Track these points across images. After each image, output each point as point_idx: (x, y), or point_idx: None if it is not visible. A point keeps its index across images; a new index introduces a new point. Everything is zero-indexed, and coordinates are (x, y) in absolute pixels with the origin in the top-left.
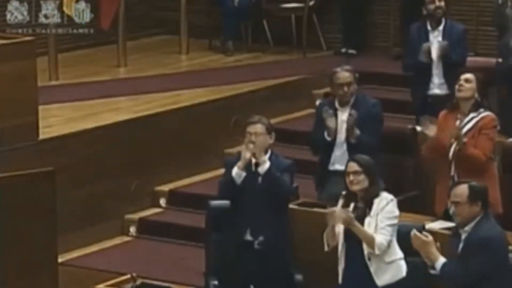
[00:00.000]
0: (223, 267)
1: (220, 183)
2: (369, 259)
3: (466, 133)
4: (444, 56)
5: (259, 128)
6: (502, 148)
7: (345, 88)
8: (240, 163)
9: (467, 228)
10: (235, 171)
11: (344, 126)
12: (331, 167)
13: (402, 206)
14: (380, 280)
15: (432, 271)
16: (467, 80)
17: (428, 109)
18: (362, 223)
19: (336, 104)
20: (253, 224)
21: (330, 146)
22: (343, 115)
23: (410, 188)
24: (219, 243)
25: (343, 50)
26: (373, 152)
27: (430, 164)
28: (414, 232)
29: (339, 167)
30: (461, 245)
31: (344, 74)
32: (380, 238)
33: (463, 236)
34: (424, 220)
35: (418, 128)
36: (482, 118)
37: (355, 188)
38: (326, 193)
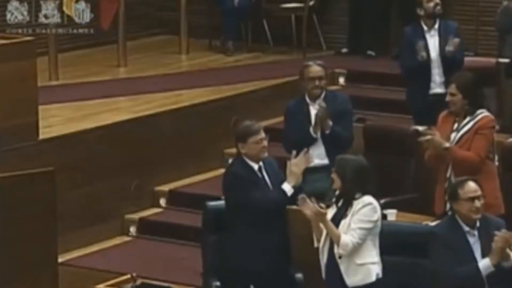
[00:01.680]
0: (222, 268)
1: (267, 200)
2: (340, 257)
3: (462, 136)
4: (453, 53)
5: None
6: (502, 148)
7: (317, 82)
8: (293, 183)
9: (478, 223)
10: (291, 191)
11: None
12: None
13: (402, 207)
14: (350, 280)
15: (506, 265)
16: (451, 94)
17: (429, 109)
18: (339, 222)
19: (307, 100)
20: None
21: (308, 142)
22: (315, 110)
23: (411, 189)
24: (218, 244)
25: (344, 50)
26: (348, 145)
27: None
28: (503, 231)
29: (319, 161)
30: (478, 242)
31: (316, 68)
32: (346, 239)
33: (476, 233)
34: (424, 220)
35: (420, 128)
36: (479, 120)
37: (332, 186)
38: (310, 190)
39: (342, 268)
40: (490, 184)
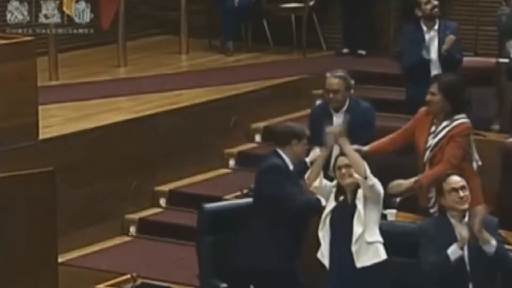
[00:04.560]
0: (221, 268)
1: (305, 201)
2: (356, 241)
3: (438, 142)
4: (448, 51)
5: None
6: (502, 148)
7: (331, 95)
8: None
9: (466, 219)
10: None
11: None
12: (330, 173)
13: (401, 206)
14: (359, 260)
15: (488, 250)
16: (432, 93)
17: None
18: (352, 216)
19: (331, 109)
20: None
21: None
22: (338, 120)
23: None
24: (217, 245)
25: (345, 50)
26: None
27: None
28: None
29: None
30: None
31: (331, 81)
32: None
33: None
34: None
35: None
36: (454, 127)
37: (348, 181)
38: None
39: (354, 248)
40: (469, 184)
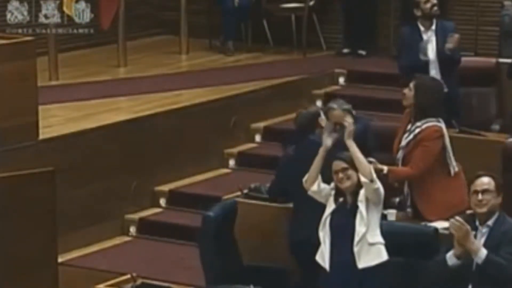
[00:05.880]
0: (228, 271)
1: None
2: (358, 242)
3: (409, 142)
4: (452, 49)
5: None
6: (502, 148)
7: (338, 127)
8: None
9: (490, 222)
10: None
11: None
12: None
13: (402, 207)
14: (361, 261)
15: (476, 260)
16: (409, 89)
17: None
18: (354, 217)
19: None
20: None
21: None
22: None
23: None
24: (221, 248)
25: (345, 50)
26: None
27: None
28: (456, 218)
29: None
30: (483, 239)
31: (338, 114)
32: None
33: (485, 230)
34: (423, 220)
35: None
36: (423, 130)
37: (347, 184)
38: None
39: (356, 249)
40: (442, 194)
